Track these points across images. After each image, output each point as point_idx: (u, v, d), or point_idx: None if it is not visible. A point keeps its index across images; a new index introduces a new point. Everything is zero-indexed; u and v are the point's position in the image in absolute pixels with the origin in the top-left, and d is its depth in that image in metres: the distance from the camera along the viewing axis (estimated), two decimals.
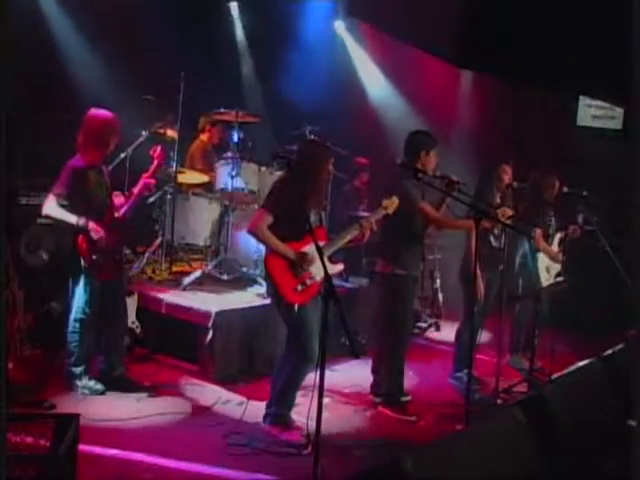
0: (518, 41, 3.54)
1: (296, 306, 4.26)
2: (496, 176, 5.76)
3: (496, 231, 5.70)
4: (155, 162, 5.15)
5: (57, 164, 4.87)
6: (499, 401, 5.03)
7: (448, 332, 7.19)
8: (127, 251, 5.96)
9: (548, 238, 6.36)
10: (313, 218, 4.43)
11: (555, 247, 6.40)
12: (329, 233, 4.76)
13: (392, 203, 4.71)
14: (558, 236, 6.42)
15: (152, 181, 5.15)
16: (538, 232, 6.14)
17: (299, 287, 4.28)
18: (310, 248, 4.25)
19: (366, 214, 7.78)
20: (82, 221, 4.65)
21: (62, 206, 4.70)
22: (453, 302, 7.55)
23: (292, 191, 4.27)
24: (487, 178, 5.78)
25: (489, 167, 5.84)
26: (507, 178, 5.80)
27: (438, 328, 7.71)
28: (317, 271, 4.30)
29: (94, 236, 4.66)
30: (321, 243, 4.42)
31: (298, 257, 4.26)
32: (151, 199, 6.73)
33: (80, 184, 4.70)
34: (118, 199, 5.06)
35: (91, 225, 4.67)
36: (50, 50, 6.86)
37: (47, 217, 4.93)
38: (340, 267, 4.67)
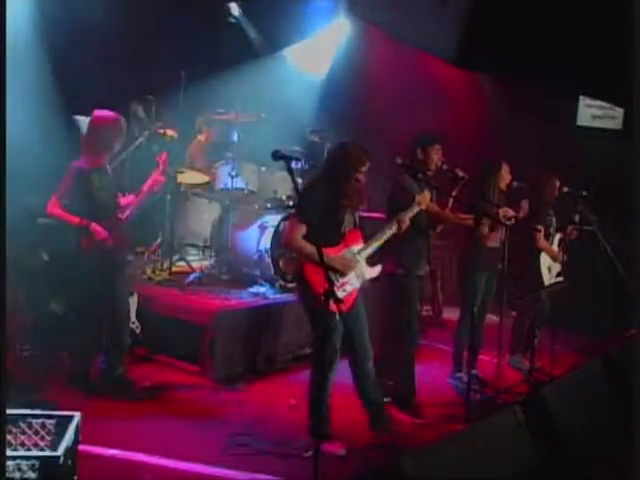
0: (518, 41, 3.55)
1: (337, 315, 3.98)
2: (496, 176, 5.77)
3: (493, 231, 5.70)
4: (160, 167, 5.14)
5: (59, 164, 4.88)
6: (499, 401, 5.02)
7: (448, 332, 7.19)
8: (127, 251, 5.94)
9: (549, 238, 6.36)
10: (347, 221, 4.33)
11: (555, 247, 6.40)
12: None
13: (424, 197, 4.60)
14: (558, 236, 6.43)
15: (162, 178, 5.15)
16: (539, 232, 6.13)
17: (340, 294, 4.12)
18: (347, 252, 4.20)
19: (366, 214, 7.82)
20: (84, 222, 4.66)
21: (65, 207, 4.71)
22: (453, 302, 7.55)
23: (324, 196, 4.17)
24: (487, 178, 5.79)
25: (489, 167, 5.84)
26: (507, 178, 5.80)
27: (438, 328, 7.70)
28: (355, 277, 4.24)
29: (97, 237, 4.67)
30: (358, 245, 4.35)
31: (338, 262, 4.11)
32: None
33: (84, 185, 4.71)
34: (125, 199, 5.06)
35: (94, 226, 4.68)
36: (51, 50, 6.85)
37: (50, 217, 4.94)
38: (378, 269, 4.45)
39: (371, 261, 4.43)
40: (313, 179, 4.41)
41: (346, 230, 4.32)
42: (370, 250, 4.39)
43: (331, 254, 4.12)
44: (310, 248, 4.02)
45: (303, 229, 4.10)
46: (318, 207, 4.13)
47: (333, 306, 3.93)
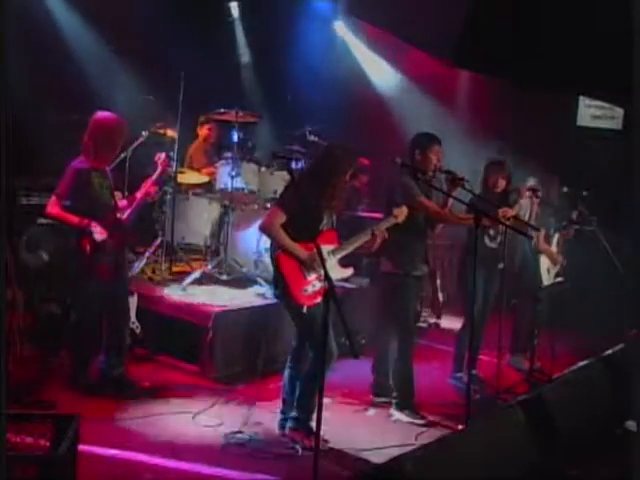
0: (518, 41, 3.55)
1: (305, 308, 4.21)
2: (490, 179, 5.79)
3: (491, 232, 5.69)
4: (159, 168, 5.15)
5: (58, 164, 4.88)
6: (499, 401, 5.02)
7: (447, 332, 7.19)
8: (127, 251, 5.95)
9: (548, 239, 6.35)
10: (326, 220, 4.40)
11: (554, 248, 6.39)
12: None
13: (402, 212, 4.65)
14: (557, 236, 6.41)
15: (154, 189, 5.16)
16: (540, 233, 6.12)
17: (309, 289, 4.23)
18: (322, 249, 4.23)
19: (365, 214, 7.83)
20: (85, 222, 4.66)
21: (65, 207, 4.71)
22: (453, 302, 7.55)
23: (308, 192, 4.24)
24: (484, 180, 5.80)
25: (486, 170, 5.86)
26: (502, 184, 5.80)
27: (438, 328, 7.70)
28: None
29: (97, 237, 4.67)
30: (332, 246, 4.41)
31: (310, 258, 4.18)
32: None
33: (84, 185, 4.70)
34: (121, 201, 5.06)
35: (94, 226, 4.67)
36: (51, 50, 6.86)
37: (50, 218, 4.94)
38: (350, 271, 4.57)
39: (345, 262, 4.51)
40: (300, 176, 4.46)
41: (323, 229, 4.39)
42: (343, 252, 4.45)
43: (304, 250, 4.21)
44: (286, 238, 4.19)
45: (283, 218, 4.21)
46: (301, 203, 4.20)
47: (302, 299, 4.19)
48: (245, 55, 9.32)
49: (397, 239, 4.93)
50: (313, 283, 4.23)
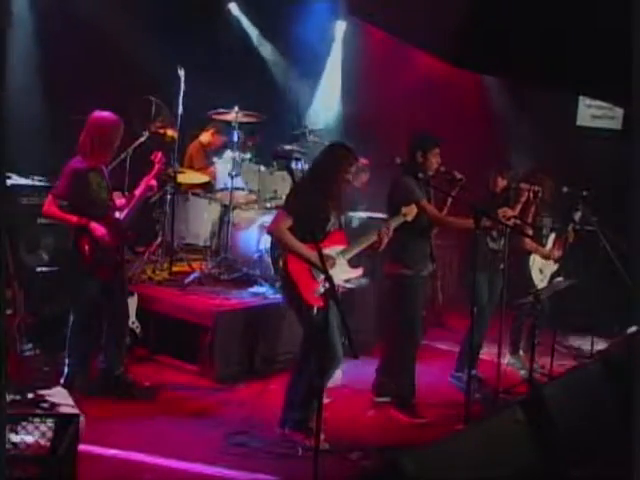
0: (518, 41, 3.55)
1: (315, 309, 4.19)
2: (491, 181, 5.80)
3: (494, 233, 5.69)
4: (156, 167, 5.16)
5: (58, 164, 4.88)
6: (499, 401, 5.02)
7: (448, 332, 7.19)
8: (127, 251, 5.94)
9: (542, 238, 6.32)
10: (332, 221, 4.40)
11: (549, 247, 6.36)
12: None
13: (411, 210, 4.65)
14: (552, 236, 6.39)
15: (154, 182, 5.17)
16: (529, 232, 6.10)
17: (319, 290, 4.18)
18: (330, 250, 4.23)
19: (366, 214, 7.83)
20: (83, 221, 4.66)
21: (63, 207, 4.70)
22: (453, 302, 7.55)
23: (312, 193, 4.25)
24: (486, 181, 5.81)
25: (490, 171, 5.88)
26: (502, 184, 5.80)
27: (438, 328, 7.69)
28: (337, 274, 4.25)
29: (95, 236, 4.66)
30: (340, 246, 4.41)
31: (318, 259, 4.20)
32: (151, 199, 6.73)
33: (81, 185, 4.70)
34: (119, 200, 5.06)
35: (92, 225, 4.67)
36: (50, 49, 6.86)
37: (48, 217, 4.94)
38: (359, 272, 4.56)
39: (354, 263, 4.51)
40: (303, 177, 4.46)
41: (331, 230, 4.39)
42: (351, 253, 4.45)
43: (312, 251, 4.16)
44: (294, 240, 4.17)
45: (289, 221, 4.20)
46: (305, 205, 4.20)
47: (312, 300, 4.16)
48: (244, 55, 9.30)
49: (403, 239, 4.92)
50: (323, 284, 4.19)
